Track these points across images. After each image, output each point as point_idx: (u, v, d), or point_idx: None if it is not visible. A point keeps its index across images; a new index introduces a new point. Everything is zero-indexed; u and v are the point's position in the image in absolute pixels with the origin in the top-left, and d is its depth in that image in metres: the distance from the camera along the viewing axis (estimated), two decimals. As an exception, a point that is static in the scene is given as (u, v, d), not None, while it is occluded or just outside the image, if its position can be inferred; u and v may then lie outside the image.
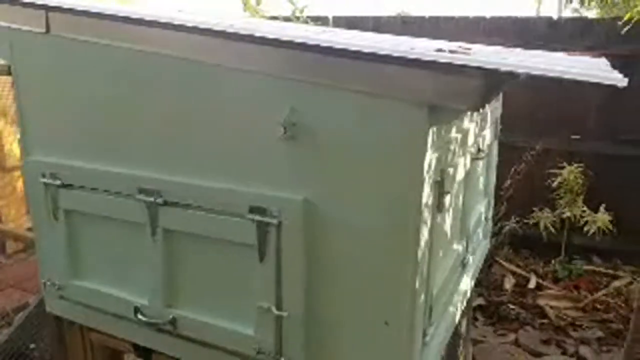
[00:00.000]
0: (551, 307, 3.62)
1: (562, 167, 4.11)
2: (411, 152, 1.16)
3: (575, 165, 4.08)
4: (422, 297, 1.32)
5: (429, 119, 1.13)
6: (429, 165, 1.20)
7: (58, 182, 1.67)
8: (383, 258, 1.26)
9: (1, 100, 4.67)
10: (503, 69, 0.98)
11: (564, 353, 3.16)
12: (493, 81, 1.09)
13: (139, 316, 1.61)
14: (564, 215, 4.08)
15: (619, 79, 0.95)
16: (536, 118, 4.37)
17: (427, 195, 1.21)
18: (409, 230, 1.21)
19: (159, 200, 1.48)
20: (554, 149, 4.30)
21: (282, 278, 1.37)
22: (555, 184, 4.10)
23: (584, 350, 3.18)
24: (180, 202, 1.46)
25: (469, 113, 1.64)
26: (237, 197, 1.37)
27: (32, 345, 2.96)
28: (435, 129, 1.19)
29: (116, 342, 1.82)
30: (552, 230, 4.11)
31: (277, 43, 1.21)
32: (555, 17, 4.87)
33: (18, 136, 4.91)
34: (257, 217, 1.34)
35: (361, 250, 1.28)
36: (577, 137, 4.32)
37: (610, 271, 4.14)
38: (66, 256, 1.73)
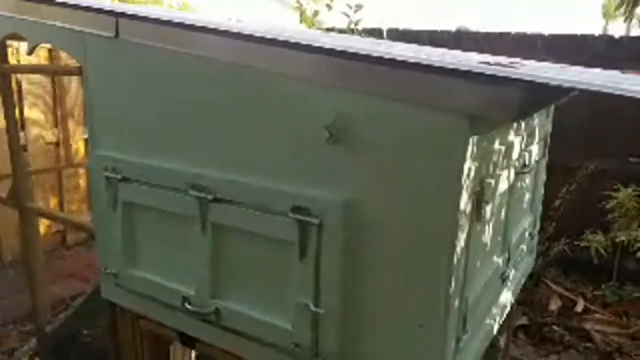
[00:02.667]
0: (598, 331, 3.51)
1: (618, 190, 3.98)
2: (451, 160, 1.20)
3: (632, 188, 3.95)
4: (457, 303, 1.34)
5: (470, 129, 1.17)
6: (468, 174, 1.23)
7: (119, 176, 1.79)
8: (419, 262, 1.29)
9: (69, 102, 4.98)
10: (539, 81, 1.01)
11: (608, 379, 3.06)
12: (534, 94, 1.12)
13: (186, 305, 1.70)
14: (617, 239, 3.94)
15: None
16: (592, 137, 4.26)
17: (464, 203, 1.25)
18: (445, 236, 1.24)
19: (209, 196, 1.58)
20: (610, 169, 4.17)
21: (320, 276, 1.42)
22: (609, 207, 3.98)
23: (630, 378, 3.07)
24: (229, 198, 1.55)
25: (514, 126, 1.66)
26: (282, 196, 1.44)
27: (85, 332, 3.14)
28: (475, 139, 1.22)
29: (163, 330, 1.92)
30: (604, 253, 3.98)
31: (327, 52, 1.28)
32: (617, 35, 4.75)
33: (84, 135, 5.22)
34: (300, 217, 1.40)
35: (398, 253, 1.32)
36: (635, 159, 4.18)
37: (665, 300, 3.96)
38: (122, 246, 1.86)
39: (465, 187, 1.22)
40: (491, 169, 1.44)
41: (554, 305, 3.82)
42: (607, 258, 4.02)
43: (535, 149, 1.99)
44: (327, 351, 1.46)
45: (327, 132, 1.31)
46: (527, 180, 2.06)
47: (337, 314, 1.42)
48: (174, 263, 1.76)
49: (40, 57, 4.57)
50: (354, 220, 1.35)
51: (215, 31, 1.47)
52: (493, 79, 1.08)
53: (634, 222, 3.93)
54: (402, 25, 5.23)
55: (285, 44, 1.35)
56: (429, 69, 1.17)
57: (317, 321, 1.45)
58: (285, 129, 1.43)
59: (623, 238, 3.90)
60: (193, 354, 2.53)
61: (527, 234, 2.21)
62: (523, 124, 1.76)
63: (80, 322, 3.04)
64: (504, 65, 1.17)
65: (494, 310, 1.82)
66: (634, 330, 3.54)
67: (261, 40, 1.39)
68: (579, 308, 3.81)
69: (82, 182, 5.20)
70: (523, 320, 3.58)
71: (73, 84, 4.96)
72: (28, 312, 3.39)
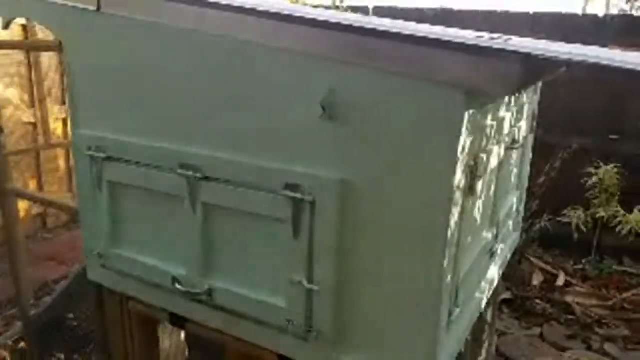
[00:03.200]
0: (578, 304, 3.60)
1: (599, 167, 4.05)
2: (447, 134, 1.19)
3: (612, 165, 4.02)
4: (450, 277, 1.35)
5: (466, 103, 1.16)
6: (463, 148, 1.22)
7: (103, 155, 1.75)
8: (414, 237, 1.29)
9: (47, 81, 4.85)
10: (536, 53, 1.00)
11: (589, 349, 3.15)
12: (530, 68, 1.11)
13: (177, 286, 1.69)
14: (598, 215, 4.03)
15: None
16: (574, 117, 4.31)
17: (459, 177, 1.24)
18: (440, 210, 1.24)
19: (199, 175, 1.55)
20: (591, 148, 4.24)
21: (314, 254, 1.42)
22: (590, 184, 4.05)
23: (609, 347, 3.17)
24: (220, 177, 1.52)
25: (505, 102, 1.66)
26: (274, 174, 1.42)
27: (70, 315, 3.10)
28: (471, 112, 1.22)
29: (153, 311, 1.90)
30: (584, 229, 4.06)
31: (320, 24, 1.25)
32: (601, 14, 4.78)
33: (62, 115, 5.10)
34: (292, 194, 1.39)
35: (392, 228, 1.32)
36: (616, 137, 4.25)
37: (642, 273, 4.08)
38: (108, 226, 1.83)
39: (460, 161, 1.22)
40: (484, 143, 1.44)
41: (537, 280, 3.90)
42: (588, 234, 4.11)
43: (523, 125, 2.00)
44: (321, 327, 1.46)
45: (321, 108, 1.29)
46: (515, 156, 2.07)
47: (331, 291, 1.42)
48: (163, 243, 1.73)
49: (15, 33, 4.42)
50: (348, 197, 1.34)
51: (203, 3, 1.43)
52: (493, 52, 1.06)
53: (613, 198, 4.02)
54: (387, 4, 5.19)
55: (277, 16, 1.32)
56: (424, 41, 1.15)
57: (311, 298, 1.45)
58: (277, 105, 1.41)
59: (603, 214, 3.99)
60: (182, 334, 2.52)
61: (514, 210, 2.23)
62: (513, 100, 1.76)
63: (66, 306, 3.01)
64: (499, 40, 1.16)
65: (483, 285, 1.84)
66: (613, 302, 3.64)
67: (251, 12, 1.35)
68: (560, 282, 3.90)
69: (62, 163, 5.10)
70: (507, 295, 3.65)
71: (50, 61, 4.83)
72: (12, 296, 3.33)
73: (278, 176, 1.41)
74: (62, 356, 2.69)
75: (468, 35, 1.18)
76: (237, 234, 1.57)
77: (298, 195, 1.38)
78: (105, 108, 1.77)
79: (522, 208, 2.37)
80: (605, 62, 1.02)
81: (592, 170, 4.05)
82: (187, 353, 2.59)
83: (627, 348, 3.14)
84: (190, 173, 1.56)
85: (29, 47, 4.42)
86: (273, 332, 1.56)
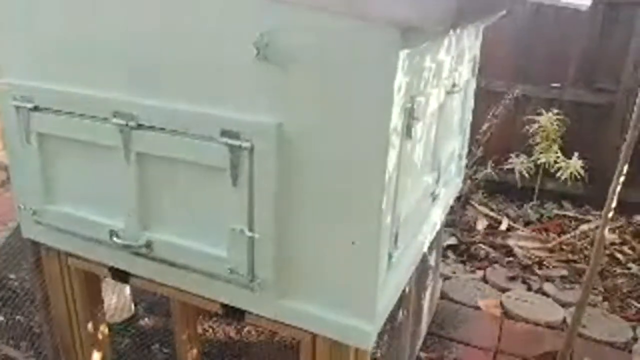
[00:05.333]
0: (520, 247, 3.76)
1: (540, 114, 4.16)
2: (382, 74, 1.17)
3: (553, 112, 4.14)
4: (389, 219, 1.36)
5: (401, 41, 1.14)
6: (399, 89, 1.21)
7: (30, 105, 1.65)
8: (352, 180, 1.29)
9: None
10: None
11: (529, 289, 3.31)
12: (465, 5, 1.09)
13: (115, 239, 1.64)
14: (539, 162, 4.16)
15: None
16: (517, 64, 4.38)
17: (396, 119, 1.24)
18: (377, 152, 1.24)
19: (133, 124, 1.48)
20: (534, 95, 4.34)
21: (254, 201, 1.40)
22: (532, 131, 4.16)
23: (547, 286, 3.34)
24: (154, 125, 1.46)
25: (445, 45, 1.65)
26: (210, 120, 1.37)
27: (11, 275, 2.99)
28: (406, 52, 1.20)
29: (93, 266, 1.85)
30: (527, 175, 4.20)
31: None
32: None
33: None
34: (229, 141, 1.35)
35: (331, 172, 1.31)
36: (557, 84, 4.35)
37: (580, 216, 4.28)
38: (40, 180, 1.74)
39: (396, 102, 1.21)
40: (422, 86, 1.44)
41: (481, 225, 4.04)
42: (530, 180, 4.25)
43: (464, 69, 2.01)
44: (264, 275, 1.46)
45: (255, 49, 1.24)
46: (457, 101, 2.09)
47: (272, 238, 1.41)
48: (98, 196, 1.67)
49: None
50: (286, 142, 1.32)
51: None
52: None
53: (554, 144, 4.15)
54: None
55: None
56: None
57: (252, 246, 1.44)
58: (211, 48, 1.35)
59: (544, 160, 4.13)
60: (127, 289, 2.49)
61: (456, 155, 2.27)
62: (453, 43, 1.75)
63: (5, 265, 2.90)
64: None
65: (425, 228, 1.88)
66: (552, 244, 3.82)
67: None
68: (504, 227, 4.05)
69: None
70: (452, 241, 3.77)
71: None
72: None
73: (214, 122, 1.37)
74: (1, 317, 2.61)
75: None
76: (175, 184, 1.52)
77: (235, 142, 1.35)
78: (30, 55, 1.66)
79: (464, 153, 2.41)
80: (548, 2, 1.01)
81: (534, 117, 4.16)
82: (132, 308, 2.56)
83: (564, 287, 3.33)
84: (123, 121, 1.49)
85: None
86: (216, 282, 1.55)
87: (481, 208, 4.29)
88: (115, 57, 1.49)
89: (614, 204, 2.27)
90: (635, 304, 3.23)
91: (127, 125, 1.49)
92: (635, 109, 2.15)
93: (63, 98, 1.60)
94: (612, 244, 3.87)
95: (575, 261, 3.64)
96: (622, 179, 2.22)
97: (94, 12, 1.49)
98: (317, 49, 1.22)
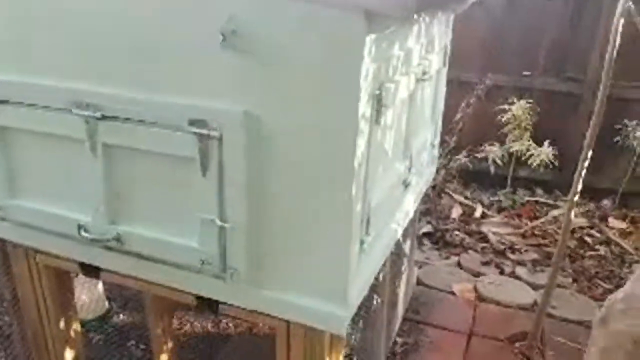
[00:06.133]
0: (493, 233, 3.83)
1: (512, 103, 4.22)
2: (349, 60, 1.17)
3: (525, 101, 4.20)
4: (359, 206, 1.36)
5: (367, 26, 1.13)
6: (367, 75, 1.21)
7: (-10, 98, 1.60)
8: (322, 167, 1.29)
9: None
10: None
11: (501, 273, 3.38)
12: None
13: (83, 233, 1.61)
14: (512, 150, 4.23)
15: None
16: (488, 54, 4.43)
17: (364, 105, 1.23)
18: (346, 138, 1.24)
19: (97, 114, 1.45)
20: (505, 85, 4.40)
21: (224, 190, 1.39)
22: (505, 120, 4.23)
23: (519, 270, 3.41)
24: (120, 115, 1.43)
25: (414, 33, 1.66)
26: (177, 109, 1.35)
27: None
28: (373, 37, 1.19)
29: (63, 262, 1.82)
30: (500, 164, 4.27)
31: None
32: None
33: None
34: (198, 130, 1.33)
35: (301, 159, 1.31)
36: (528, 73, 4.41)
37: (551, 201, 4.37)
38: (4, 175, 1.69)
39: (364, 88, 1.21)
40: (391, 73, 1.44)
41: (455, 213, 4.09)
42: (503, 168, 4.32)
43: (435, 58, 2.02)
44: (236, 265, 1.45)
45: (221, 36, 1.23)
46: (428, 90, 2.10)
47: (244, 227, 1.40)
48: (65, 190, 1.63)
49: None
50: (255, 129, 1.31)
51: None
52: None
53: (525, 133, 4.23)
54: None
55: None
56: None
57: (223, 236, 1.43)
58: (176, 34, 1.32)
59: (516, 148, 4.20)
60: (100, 285, 2.45)
61: (428, 144, 2.28)
62: (423, 31, 1.76)
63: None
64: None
65: (398, 215, 1.89)
66: (524, 229, 3.90)
67: None
68: (477, 214, 4.12)
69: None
70: (428, 229, 3.82)
71: None
72: None
73: (182, 112, 1.35)
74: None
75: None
76: (143, 176, 1.50)
77: (204, 131, 1.33)
78: (-13, 46, 1.61)
79: (436, 142, 2.43)
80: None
81: (507, 107, 4.22)
82: (106, 304, 2.53)
83: (535, 270, 3.40)
84: (88, 113, 1.46)
85: None
86: (188, 273, 1.53)
87: (456, 196, 4.34)
88: (78, 46, 1.46)
89: (579, 188, 2.32)
90: (603, 284, 3.33)
91: (92, 116, 1.45)
92: (599, 96, 2.20)
93: (24, 90, 1.55)
94: (581, 227, 3.97)
95: (546, 245, 3.72)
96: (586, 164, 2.27)
97: (49, 1, 1.45)
98: (284, 35, 1.21)
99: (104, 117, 1.45)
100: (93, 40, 1.43)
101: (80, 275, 1.91)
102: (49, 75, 1.51)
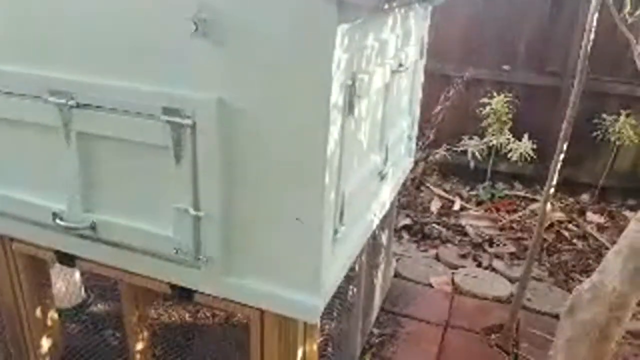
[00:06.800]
0: (471, 226, 3.87)
1: (492, 97, 4.26)
2: (321, 49, 1.18)
3: (504, 95, 4.24)
4: (332, 195, 1.38)
5: (338, 15, 1.15)
6: (339, 65, 1.22)
7: (-37, 85, 1.59)
8: (294, 156, 1.30)
9: None
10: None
11: (479, 266, 3.42)
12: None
13: (58, 222, 1.61)
14: (491, 144, 4.27)
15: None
16: (468, 47, 4.46)
17: (336, 95, 1.25)
18: (318, 128, 1.25)
19: (72, 102, 1.45)
20: (485, 78, 4.43)
21: (198, 179, 1.39)
22: (484, 113, 4.26)
23: (497, 263, 3.45)
24: (93, 104, 1.43)
25: (389, 24, 1.68)
26: (150, 97, 1.36)
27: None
28: (345, 27, 1.21)
29: (39, 250, 1.81)
30: (479, 157, 4.31)
31: None
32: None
33: None
34: (171, 118, 1.34)
35: (274, 148, 1.32)
36: (507, 67, 4.45)
37: (529, 195, 4.43)
38: (-22, 163, 1.69)
39: (335, 78, 1.22)
40: (364, 63, 1.45)
41: (435, 206, 4.13)
42: (483, 161, 4.37)
43: (411, 50, 2.04)
44: (210, 253, 1.46)
45: (193, 24, 1.23)
46: (404, 81, 2.12)
47: (217, 216, 1.41)
48: (39, 178, 1.63)
49: None
50: (228, 118, 1.32)
51: None
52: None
53: (505, 126, 4.27)
54: None
55: None
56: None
57: (197, 225, 1.44)
58: (147, 23, 1.32)
59: (496, 142, 4.24)
60: (77, 274, 2.44)
61: (405, 136, 2.31)
62: (398, 22, 1.78)
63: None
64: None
65: (374, 206, 1.91)
66: (502, 223, 3.95)
67: None
68: (456, 207, 4.16)
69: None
70: (407, 221, 3.85)
71: None
72: None
73: (154, 100, 1.35)
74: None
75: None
76: (117, 164, 1.50)
77: (177, 119, 1.34)
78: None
79: (413, 134, 2.45)
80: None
81: (486, 100, 4.26)
82: (82, 292, 2.52)
83: (512, 263, 3.45)
84: (61, 101, 1.46)
85: None
86: (163, 262, 1.54)
87: (435, 189, 4.38)
88: (49, 33, 1.45)
89: (555, 181, 2.37)
90: (579, 277, 3.39)
91: (66, 104, 1.45)
92: (574, 89, 2.24)
93: (-2, 77, 1.55)
94: (560, 221, 4.03)
95: (524, 239, 3.78)
96: (562, 157, 2.31)
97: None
98: (255, 24, 1.22)
99: (77, 105, 1.45)
100: (65, 27, 1.42)
101: (57, 264, 1.90)
102: (22, 63, 1.50)
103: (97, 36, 1.40)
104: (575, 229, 3.98)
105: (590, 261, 3.57)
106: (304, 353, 1.62)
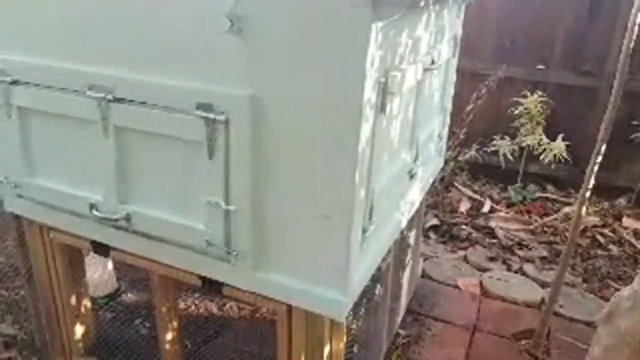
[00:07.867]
0: (501, 228, 3.81)
1: (525, 96, 4.18)
2: (355, 46, 1.19)
3: (538, 94, 4.16)
4: (363, 193, 1.38)
5: (373, 13, 1.15)
6: (372, 62, 1.23)
7: (9, 79, 1.65)
8: (325, 153, 1.31)
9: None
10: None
11: (508, 269, 3.35)
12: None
13: (94, 212, 1.65)
14: (523, 144, 4.19)
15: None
16: (502, 45, 4.38)
17: (369, 92, 1.25)
18: (350, 125, 1.25)
19: (110, 97, 1.49)
20: (518, 77, 4.35)
21: (230, 174, 1.42)
22: (517, 113, 4.19)
23: (527, 267, 3.38)
24: (131, 98, 1.47)
25: (422, 21, 1.67)
26: (185, 93, 1.38)
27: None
28: (379, 25, 1.21)
29: (75, 240, 1.87)
30: (511, 158, 4.24)
31: None
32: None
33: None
34: (205, 114, 1.36)
35: (305, 145, 1.33)
36: (542, 67, 4.36)
37: (563, 198, 4.33)
38: (22, 154, 1.75)
39: (369, 75, 1.22)
40: (397, 61, 1.45)
41: (463, 207, 4.08)
42: (514, 162, 4.29)
43: (444, 47, 2.02)
44: (240, 247, 1.48)
45: (229, 21, 1.25)
46: (437, 80, 2.10)
47: (248, 210, 1.43)
48: (77, 169, 1.68)
49: None
50: (260, 115, 1.33)
51: None
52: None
53: (538, 127, 4.18)
54: None
55: None
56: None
57: (229, 218, 1.46)
58: (184, 20, 1.35)
59: (528, 142, 4.16)
60: (110, 263, 2.51)
61: (436, 135, 2.29)
62: (432, 20, 1.76)
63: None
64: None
65: (403, 205, 1.91)
66: (534, 226, 3.88)
67: None
68: (486, 208, 4.10)
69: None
70: (434, 222, 3.81)
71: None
72: None
73: (189, 95, 1.38)
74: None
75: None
76: (152, 157, 1.54)
77: (211, 115, 1.36)
78: (7, 29, 1.65)
79: (444, 133, 2.43)
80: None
81: (519, 99, 4.18)
82: (115, 283, 2.59)
83: (544, 267, 3.38)
84: (100, 95, 1.50)
85: None
86: (194, 254, 1.57)
87: (464, 190, 4.33)
88: (90, 30, 1.49)
89: (591, 184, 2.31)
90: (614, 284, 3.29)
91: (104, 98, 1.49)
92: (614, 89, 2.18)
93: (40, 71, 1.60)
94: (594, 226, 3.93)
95: (556, 243, 3.70)
96: (599, 159, 2.25)
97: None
98: (291, 21, 1.23)
99: (116, 100, 1.48)
100: (104, 23, 1.46)
101: (92, 254, 1.96)
102: (65, 58, 1.55)
103: (134, 33, 1.43)
104: (610, 234, 3.87)
105: (626, 268, 3.47)
106: (330, 350, 1.63)
